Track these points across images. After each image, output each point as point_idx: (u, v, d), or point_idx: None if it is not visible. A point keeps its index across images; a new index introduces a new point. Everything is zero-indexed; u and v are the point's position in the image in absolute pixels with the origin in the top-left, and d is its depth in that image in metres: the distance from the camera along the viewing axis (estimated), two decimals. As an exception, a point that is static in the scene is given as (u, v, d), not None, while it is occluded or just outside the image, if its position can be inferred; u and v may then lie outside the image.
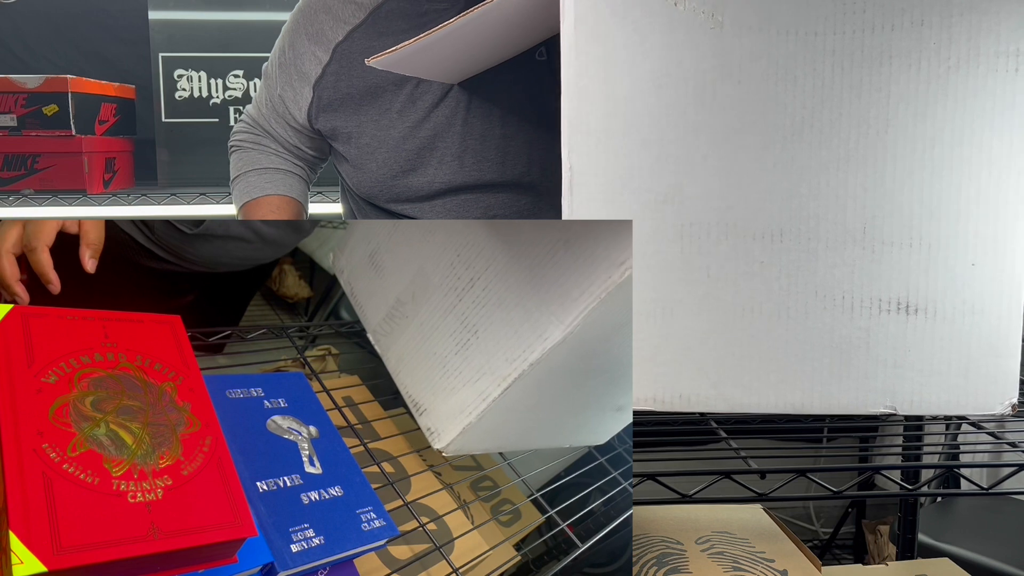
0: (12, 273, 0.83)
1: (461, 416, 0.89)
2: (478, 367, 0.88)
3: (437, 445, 0.92)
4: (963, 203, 0.66)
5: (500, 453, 1.19)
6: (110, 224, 1.05)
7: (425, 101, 1.15)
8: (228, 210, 1.77)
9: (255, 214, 1.23)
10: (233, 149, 1.30)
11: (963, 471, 0.69)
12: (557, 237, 0.79)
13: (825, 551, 2.23)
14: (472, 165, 1.16)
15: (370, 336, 1.04)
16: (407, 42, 0.86)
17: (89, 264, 0.86)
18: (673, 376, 0.69)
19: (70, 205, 1.71)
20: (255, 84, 1.90)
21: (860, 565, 0.91)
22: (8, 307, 0.65)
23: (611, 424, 1.14)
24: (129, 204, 1.76)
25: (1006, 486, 0.68)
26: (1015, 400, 0.68)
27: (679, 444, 0.76)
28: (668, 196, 0.67)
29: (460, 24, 0.80)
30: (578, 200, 0.67)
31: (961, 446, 0.87)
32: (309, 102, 1.19)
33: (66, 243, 1.09)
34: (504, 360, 0.85)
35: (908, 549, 1.49)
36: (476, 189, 1.17)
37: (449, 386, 0.91)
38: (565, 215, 0.68)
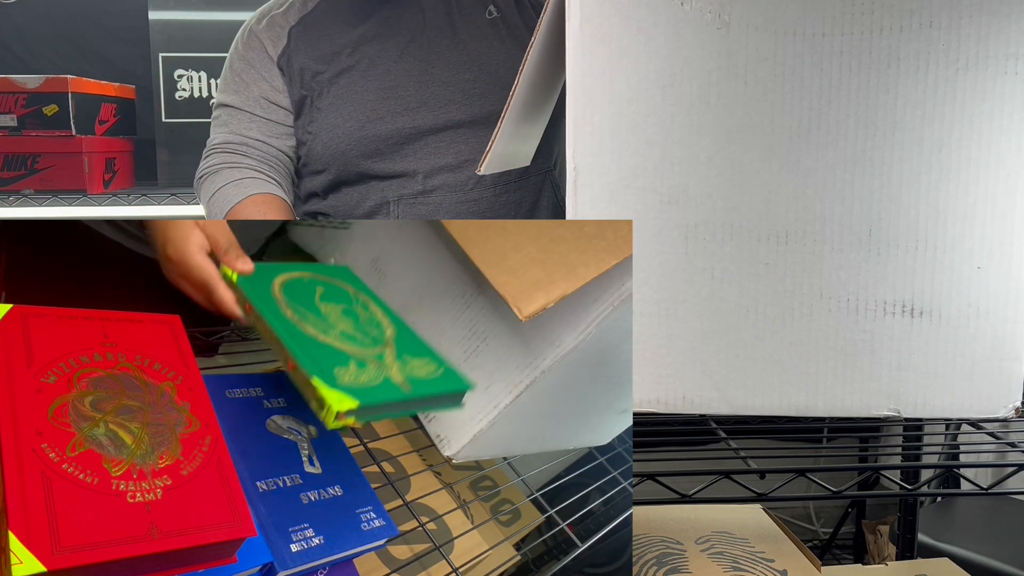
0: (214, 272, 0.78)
1: (471, 423, 0.89)
2: (488, 374, 0.87)
3: (447, 452, 0.91)
4: (970, 206, 0.66)
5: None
6: (103, 239, 1.05)
7: (384, 58, 1.20)
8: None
9: (244, 214, 1.17)
10: (201, 178, 1.25)
11: (963, 471, 0.69)
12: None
13: (825, 551, 2.23)
14: (439, 108, 1.20)
15: None
16: (494, 138, 0.82)
17: (242, 264, 0.80)
18: (677, 378, 0.69)
19: (70, 205, 1.70)
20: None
21: (860, 565, 0.91)
22: (8, 307, 0.65)
23: (615, 425, 1.14)
24: (129, 204, 1.76)
25: (1006, 486, 0.67)
26: (1019, 403, 0.68)
27: (679, 444, 0.76)
28: (673, 197, 0.66)
29: (519, 92, 0.78)
30: (582, 200, 0.67)
31: (961, 446, 0.87)
32: (280, 78, 1.24)
33: (69, 242, 1.09)
34: (515, 367, 0.84)
35: (908, 549, 1.49)
36: (445, 129, 1.20)
37: None
38: (569, 215, 0.67)
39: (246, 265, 0.80)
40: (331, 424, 0.59)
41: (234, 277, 0.74)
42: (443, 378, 0.72)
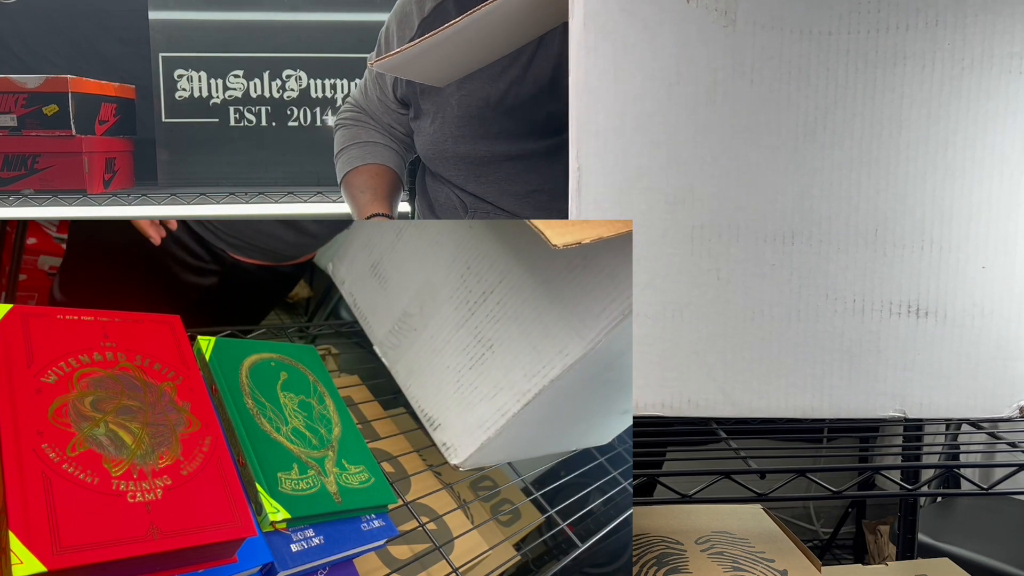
0: None
1: (479, 432, 0.88)
2: (495, 382, 0.87)
3: (454, 460, 0.91)
4: (975, 206, 0.65)
5: (501, 454, 1.19)
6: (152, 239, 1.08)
7: (483, 75, 1.22)
8: (228, 211, 1.77)
9: (356, 182, 1.33)
10: (338, 126, 1.43)
11: (963, 471, 0.69)
12: (574, 250, 0.78)
13: (825, 551, 2.23)
14: (517, 137, 1.22)
15: (376, 348, 1.03)
16: (408, 45, 0.86)
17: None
18: (681, 381, 0.68)
19: (70, 205, 1.70)
20: (255, 84, 1.90)
21: (860, 565, 0.91)
22: (8, 307, 0.65)
23: (616, 425, 1.14)
24: (129, 204, 1.76)
25: (1005, 486, 0.67)
26: (1023, 402, 0.68)
27: (679, 444, 0.76)
28: (678, 197, 0.66)
29: (464, 24, 0.79)
30: (586, 201, 0.67)
31: (961, 446, 0.87)
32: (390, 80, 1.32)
33: (87, 249, 1.12)
34: (523, 375, 0.84)
35: (908, 549, 1.48)
36: (519, 158, 1.23)
37: (464, 401, 0.90)
38: (572, 216, 0.67)
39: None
40: (265, 529, 0.68)
41: (207, 354, 0.78)
42: (372, 489, 0.80)
